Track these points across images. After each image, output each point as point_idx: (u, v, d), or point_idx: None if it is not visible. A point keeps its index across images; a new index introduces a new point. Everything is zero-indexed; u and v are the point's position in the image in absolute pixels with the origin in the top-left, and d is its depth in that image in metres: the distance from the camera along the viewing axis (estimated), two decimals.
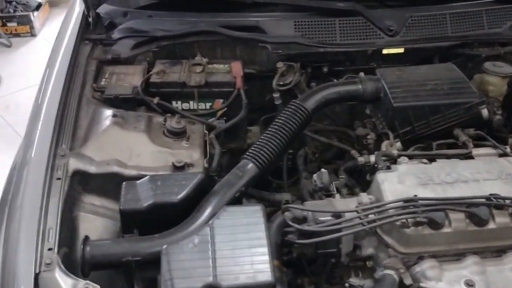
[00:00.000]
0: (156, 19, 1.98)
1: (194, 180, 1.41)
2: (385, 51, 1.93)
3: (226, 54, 1.98)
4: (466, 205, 1.35)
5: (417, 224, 1.33)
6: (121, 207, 1.35)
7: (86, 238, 1.29)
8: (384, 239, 1.38)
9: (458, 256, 1.38)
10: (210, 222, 1.30)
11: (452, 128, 1.68)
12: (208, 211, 1.36)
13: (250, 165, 1.53)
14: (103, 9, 2.04)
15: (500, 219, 1.33)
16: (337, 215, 1.37)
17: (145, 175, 1.46)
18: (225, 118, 1.90)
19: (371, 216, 1.33)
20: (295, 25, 1.93)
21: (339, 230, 1.32)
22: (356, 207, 1.37)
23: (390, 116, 1.68)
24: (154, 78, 1.83)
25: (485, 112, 1.68)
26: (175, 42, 1.94)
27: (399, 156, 1.55)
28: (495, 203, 1.33)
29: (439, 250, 1.37)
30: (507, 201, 1.33)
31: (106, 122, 1.60)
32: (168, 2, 2.05)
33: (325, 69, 1.97)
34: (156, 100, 1.78)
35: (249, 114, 1.92)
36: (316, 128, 2.00)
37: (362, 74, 1.96)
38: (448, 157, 1.58)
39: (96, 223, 1.45)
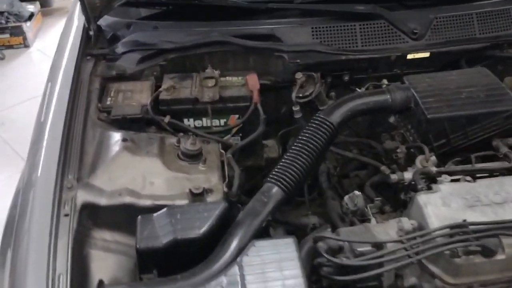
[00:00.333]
0: (162, 31, 1.84)
1: (217, 211, 1.28)
2: (409, 56, 1.80)
3: (239, 65, 1.84)
4: None
5: (469, 253, 1.20)
6: (138, 246, 1.21)
7: (101, 283, 1.15)
8: (429, 268, 1.25)
9: (510, 283, 1.26)
10: (238, 259, 1.17)
11: (491, 138, 1.56)
12: (234, 246, 1.22)
13: (275, 189, 1.39)
14: (104, 21, 1.89)
15: None
16: (378, 245, 1.23)
17: (161, 205, 1.34)
18: (240, 134, 1.76)
19: (417, 246, 1.20)
20: (312, 31, 1.79)
21: (381, 263, 1.18)
22: (400, 236, 1.24)
23: (424, 128, 1.55)
24: (163, 95, 1.69)
25: None
26: (184, 54, 1.80)
27: (439, 173, 1.42)
28: None
29: (490, 278, 1.24)
30: None
31: (116, 148, 1.45)
32: (174, 11, 1.91)
33: (346, 78, 1.83)
34: (167, 119, 1.64)
35: None
36: (336, 140, 1.87)
37: (385, 81, 1.83)
38: (491, 172, 1.45)
39: (109, 261, 1.31)
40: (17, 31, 4.98)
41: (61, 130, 1.48)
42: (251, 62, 1.83)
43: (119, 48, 1.82)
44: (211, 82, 1.73)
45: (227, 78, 1.78)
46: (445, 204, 1.30)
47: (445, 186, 1.34)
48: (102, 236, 1.35)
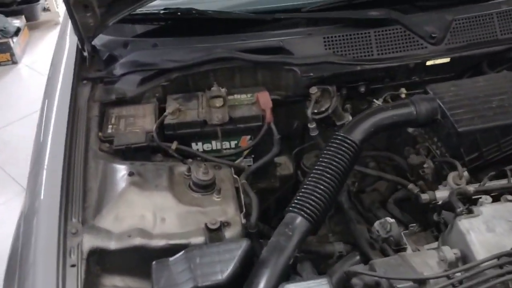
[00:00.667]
0: (163, 48, 1.71)
1: (239, 251, 1.16)
2: (429, 63, 1.68)
3: (247, 81, 1.72)
4: None
5: None
6: None
7: None
8: None
9: None
10: None
11: None
12: None
13: (299, 219, 1.27)
14: (99, 40, 1.76)
15: None
16: (420, 280, 1.11)
17: (175, 244, 1.23)
18: (253, 156, 1.64)
19: (463, 277, 1.08)
20: (324, 41, 1.67)
21: None
22: (445, 270, 1.12)
23: (454, 142, 1.44)
24: (169, 119, 1.56)
25: None
26: (187, 73, 1.67)
27: (477, 192, 1.30)
28: None
29: None
30: None
31: (122, 184, 1.32)
32: (173, 27, 1.78)
33: (362, 89, 1.70)
34: (174, 145, 1.51)
35: None
36: None
37: (403, 90, 1.72)
38: None
39: None
40: (4, 48, 4.81)
41: (61, 165, 1.36)
42: (259, 77, 1.71)
43: (117, 70, 1.69)
44: (218, 102, 1.60)
45: (235, 96, 1.65)
46: (489, 230, 1.18)
47: (487, 208, 1.23)
48: (113, 282, 1.24)
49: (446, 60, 1.68)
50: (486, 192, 1.31)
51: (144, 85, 1.66)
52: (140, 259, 1.22)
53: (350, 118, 1.70)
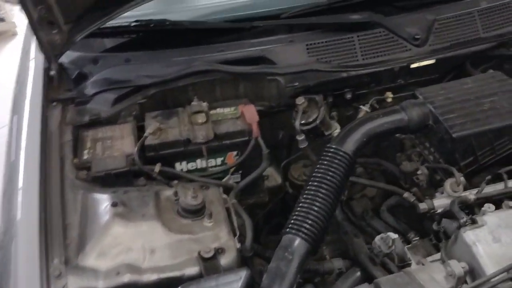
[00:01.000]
0: (137, 63, 1.61)
1: (240, 283, 1.08)
2: (414, 65, 1.64)
3: (228, 93, 1.64)
4: None
5: None
6: None
7: None
8: None
9: None
10: None
11: None
12: None
13: (297, 241, 1.20)
14: (67, 57, 1.64)
15: None
16: None
17: (168, 278, 1.15)
18: (240, 171, 1.56)
19: None
20: (307, 48, 1.61)
21: None
22: (454, 286, 1.08)
23: (449, 147, 1.40)
24: (150, 140, 1.46)
25: None
26: (165, 88, 1.58)
27: (478, 200, 1.26)
28: None
29: None
30: None
31: (105, 216, 1.22)
32: (147, 39, 1.68)
33: (349, 96, 1.65)
34: (157, 168, 1.42)
35: None
36: None
37: (389, 94, 1.68)
38: None
39: None
40: None
41: (36, 200, 1.25)
42: (241, 89, 1.63)
43: (89, 89, 1.58)
44: (201, 118, 1.52)
45: (218, 110, 1.57)
46: (495, 240, 1.14)
47: (490, 218, 1.19)
48: None
49: (431, 61, 1.65)
50: (487, 199, 1.28)
51: (119, 104, 1.56)
52: None
53: (338, 126, 1.65)
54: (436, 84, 1.55)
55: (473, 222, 1.18)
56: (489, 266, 1.10)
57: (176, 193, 1.33)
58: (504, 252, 1.12)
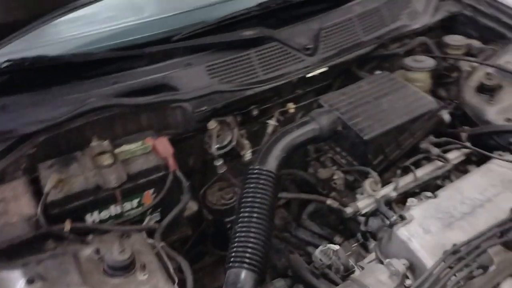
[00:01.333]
0: (16, 110, 1.40)
1: None
2: (310, 74, 1.69)
3: (130, 128, 1.51)
4: (499, 234, 1.21)
5: (471, 278, 1.14)
6: None
7: None
8: None
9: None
10: None
11: (418, 141, 1.55)
12: None
13: (243, 273, 1.16)
14: None
15: None
16: None
17: None
18: (160, 209, 1.45)
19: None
20: (207, 70, 1.55)
21: None
22: (402, 285, 1.12)
23: (361, 150, 1.46)
24: (52, 195, 1.28)
25: (446, 116, 1.59)
26: (57, 132, 1.40)
27: (399, 196, 1.34)
28: None
29: None
30: None
31: None
32: (24, 78, 1.47)
33: (255, 112, 1.64)
34: (68, 225, 1.25)
35: None
36: None
37: (291, 105, 1.71)
38: (434, 179, 1.45)
39: None
40: None
41: None
42: (143, 121, 1.51)
43: None
44: (107, 159, 1.37)
45: (123, 147, 1.43)
46: (426, 231, 1.22)
47: (416, 211, 1.27)
48: None
49: (324, 69, 1.71)
50: (406, 193, 1.36)
51: (3, 159, 1.34)
52: None
53: (248, 144, 1.63)
54: (336, 91, 1.62)
55: (402, 218, 1.24)
56: (427, 258, 1.17)
57: (97, 251, 1.19)
58: (436, 242, 1.20)
